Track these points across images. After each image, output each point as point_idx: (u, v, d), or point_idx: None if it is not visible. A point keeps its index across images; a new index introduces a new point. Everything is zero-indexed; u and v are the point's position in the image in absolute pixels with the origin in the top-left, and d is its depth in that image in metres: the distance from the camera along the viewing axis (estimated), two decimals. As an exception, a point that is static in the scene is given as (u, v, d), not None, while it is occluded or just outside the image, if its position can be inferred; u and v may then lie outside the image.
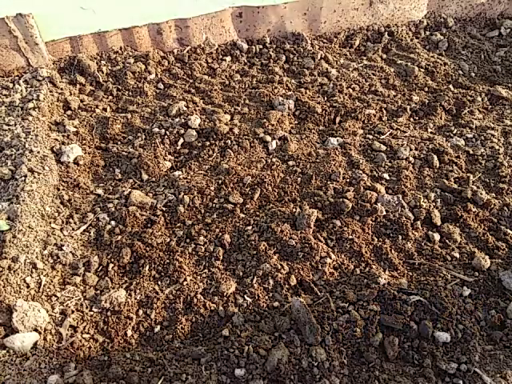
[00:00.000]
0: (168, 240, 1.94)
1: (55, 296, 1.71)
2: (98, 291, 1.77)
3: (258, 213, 2.09)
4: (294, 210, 2.07)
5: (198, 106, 2.74)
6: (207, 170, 2.34)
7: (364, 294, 1.70)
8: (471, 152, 2.47)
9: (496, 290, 1.80)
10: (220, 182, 2.22)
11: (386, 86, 3.03)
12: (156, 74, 3.00)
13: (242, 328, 1.61)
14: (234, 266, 1.87)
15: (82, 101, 2.78)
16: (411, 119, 2.78)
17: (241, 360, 1.50)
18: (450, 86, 2.98)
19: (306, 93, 2.87)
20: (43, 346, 1.54)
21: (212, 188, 2.18)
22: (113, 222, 2.04)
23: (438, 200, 2.14)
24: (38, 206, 1.99)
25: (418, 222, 2.04)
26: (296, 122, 2.72)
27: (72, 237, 1.95)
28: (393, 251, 1.93)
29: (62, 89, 2.79)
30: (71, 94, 2.80)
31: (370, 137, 2.58)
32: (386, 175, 2.29)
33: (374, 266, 1.86)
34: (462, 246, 1.96)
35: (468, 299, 1.73)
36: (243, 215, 2.07)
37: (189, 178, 2.27)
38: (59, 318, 1.64)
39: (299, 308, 1.61)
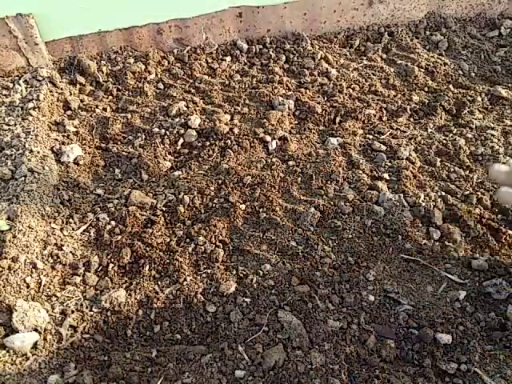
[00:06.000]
0: (168, 240, 1.94)
1: (55, 296, 1.71)
2: (98, 291, 1.77)
3: (258, 213, 2.09)
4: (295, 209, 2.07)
5: (198, 106, 2.74)
6: (207, 169, 2.34)
7: (364, 295, 1.70)
8: (471, 152, 2.47)
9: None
10: (220, 181, 2.22)
11: (385, 85, 3.03)
12: (156, 74, 3.00)
13: (242, 328, 1.61)
14: (234, 265, 1.87)
15: (82, 101, 2.78)
16: (411, 119, 2.78)
17: (241, 360, 1.50)
18: (450, 86, 2.98)
19: (305, 93, 2.87)
20: (43, 346, 1.54)
21: (212, 188, 2.19)
22: (113, 222, 2.04)
23: (439, 200, 2.14)
24: (38, 206, 1.99)
25: (419, 222, 2.04)
26: (296, 122, 2.72)
27: (72, 237, 1.95)
28: (392, 251, 1.93)
29: (61, 89, 2.79)
30: (71, 94, 2.80)
31: (370, 137, 2.59)
32: (386, 175, 2.29)
33: (374, 267, 1.86)
34: (463, 246, 1.96)
35: (466, 302, 1.73)
36: (243, 215, 2.07)
37: (189, 178, 2.27)
38: (59, 318, 1.64)
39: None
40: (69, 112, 2.69)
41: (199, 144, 2.50)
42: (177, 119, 2.59)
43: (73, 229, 2.00)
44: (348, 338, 1.59)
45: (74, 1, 2.76)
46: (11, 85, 2.75)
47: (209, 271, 1.83)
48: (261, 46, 3.27)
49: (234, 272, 1.83)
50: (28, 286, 1.70)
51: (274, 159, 2.38)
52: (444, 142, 2.54)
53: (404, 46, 3.40)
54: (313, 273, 1.81)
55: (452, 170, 2.36)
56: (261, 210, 2.08)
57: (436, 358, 1.54)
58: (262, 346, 1.54)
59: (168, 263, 1.85)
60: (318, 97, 2.86)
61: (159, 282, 1.80)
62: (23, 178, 2.08)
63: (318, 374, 1.47)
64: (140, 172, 2.34)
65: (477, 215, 2.08)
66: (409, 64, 3.16)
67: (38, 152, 2.25)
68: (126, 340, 1.61)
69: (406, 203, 2.11)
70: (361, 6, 3.37)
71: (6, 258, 1.73)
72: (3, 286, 1.65)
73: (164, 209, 2.09)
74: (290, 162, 2.37)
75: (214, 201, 2.13)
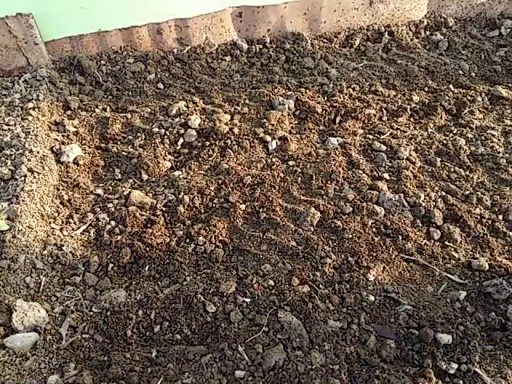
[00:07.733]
0: (168, 240, 1.93)
1: (55, 296, 1.71)
2: (98, 291, 1.76)
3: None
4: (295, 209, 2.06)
5: (197, 106, 2.74)
6: (207, 169, 2.34)
7: (364, 295, 1.70)
8: (471, 152, 2.47)
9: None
10: (220, 181, 2.22)
11: (386, 85, 3.03)
12: (156, 74, 3.00)
13: (242, 328, 1.61)
14: (234, 265, 1.86)
15: (81, 101, 2.77)
16: (411, 119, 2.78)
17: (241, 361, 1.50)
18: (451, 86, 2.98)
19: (306, 93, 2.86)
20: (43, 346, 1.54)
21: (212, 188, 2.18)
22: (113, 222, 2.03)
23: (439, 200, 2.14)
24: (38, 206, 1.99)
25: (419, 222, 2.04)
26: (296, 122, 2.72)
27: (72, 237, 1.95)
28: (393, 251, 1.92)
29: (61, 89, 2.79)
30: (71, 94, 2.80)
31: (370, 137, 2.58)
32: (386, 175, 2.29)
33: (374, 267, 1.85)
34: (463, 246, 1.96)
35: (466, 302, 1.73)
36: (243, 215, 2.06)
37: (189, 178, 2.27)
38: (59, 318, 1.64)
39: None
40: (68, 112, 2.69)
41: (199, 144, 2.49)
42: (177, 119, 2.59)
43: (73, 229, 2.00)
44: (348, 338, 1.59)
45: (74, 1, 2.76)
46: (11, 85, 2.75)
47: (209, 271, 1.83)
48: (261, 46, 3.27)
49: (234, 272, 1.83)
50: (28, 286, 1.70)
51: (274, 159, 2.38)
52: (444, 141, 2.54)
53: (404, 46, 3.40)
54: (313, 273, 1.81)
55: (452, 169, 2.35)
56: (261, 210, 2.08)
57: (436, 358, 1.54)
58: (262, 347, 1.54)
59: (168, 263, 1.85)
60: (318, 97, 2.86)
61: (159, 282, 1.80)
62: (23, 178, 2.08)
63: (318, 374, 1.46)
64: (140, 172, 2.34)
65: (477, 215, 2.08)
66: (409, 64, 3.16)
67: (38, 152, 2.25)
68: (126, 340, 1.61)
69: (406, 203, 2.11)
70: (361, 5, 3.36)
71: (5, 258, 1.73)
72: (3, 286, 1.65)
73: (164, 209, 2.09)
74: (290, 162, 2.37)
75: (214, 201, 2.13)
